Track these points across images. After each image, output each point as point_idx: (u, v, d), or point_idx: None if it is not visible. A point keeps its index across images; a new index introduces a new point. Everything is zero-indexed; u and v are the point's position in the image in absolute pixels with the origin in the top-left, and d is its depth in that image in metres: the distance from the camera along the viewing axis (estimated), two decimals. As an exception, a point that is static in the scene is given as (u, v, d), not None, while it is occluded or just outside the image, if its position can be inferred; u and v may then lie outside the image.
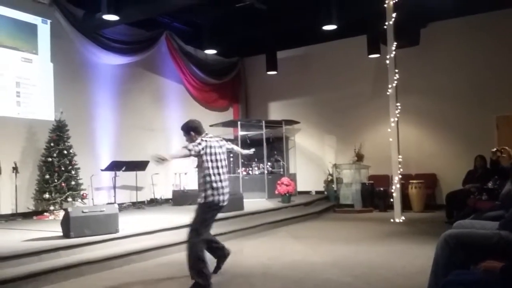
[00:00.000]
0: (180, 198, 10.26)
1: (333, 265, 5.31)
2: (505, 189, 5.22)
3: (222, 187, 4.60)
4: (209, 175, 4.53)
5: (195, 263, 4.38)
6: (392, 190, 9.23)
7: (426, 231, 7.58)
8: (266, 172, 11.46)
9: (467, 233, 3.05)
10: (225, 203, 4.68)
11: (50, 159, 8.29)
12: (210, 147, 4.59)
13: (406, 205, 10.03)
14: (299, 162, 13.22)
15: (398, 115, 9.19)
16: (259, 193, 10.95)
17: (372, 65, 11.58)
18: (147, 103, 11.19)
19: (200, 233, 4.50)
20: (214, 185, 4.53)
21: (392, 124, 9.17)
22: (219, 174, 4.59)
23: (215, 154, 4.62)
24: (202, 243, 4.50)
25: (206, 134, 4.79)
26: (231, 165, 11.79)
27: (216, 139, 4.78)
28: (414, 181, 10.54)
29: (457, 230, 3.17)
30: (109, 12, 8.48)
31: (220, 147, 4.76)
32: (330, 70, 12.60)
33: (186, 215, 7.81)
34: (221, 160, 4.66)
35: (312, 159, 12.98)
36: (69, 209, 5.73)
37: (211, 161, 4.57)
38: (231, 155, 11.38)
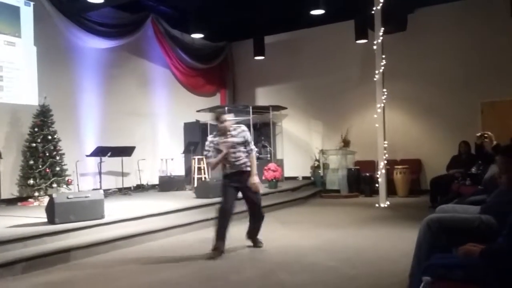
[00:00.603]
0: (166, 184, 10.24)
1: (320, 249, 5.36)
2: (487, 174, 5.32)
3: None
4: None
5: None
6: (378, 176, 9.32)
7: (410, 216, 7.67)
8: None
9: (449, 217, 3.10)
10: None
11: (34, 145, 8.20)
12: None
13: (391, 190, 10.15)
14: (286, 147, 13.25)
15: (384, 101, 9.24)
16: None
17: (359, 51, 11.58)
18: (133, 87, 11.07)
19: None
20: None
21: (379, 110, 9.22)
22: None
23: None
24: None
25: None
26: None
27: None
28: (399, 167, 10.65)
29: (439, 214, 3.22)
30: (93, -5, 8.33)
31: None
32: (317, 55, 12.57)
33: (172, 201, 7.85)
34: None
35: (299, 144, 13.02)
36: (54, 195, 5.68)
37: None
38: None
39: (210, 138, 5.47)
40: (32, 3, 8.92)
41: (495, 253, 2.23)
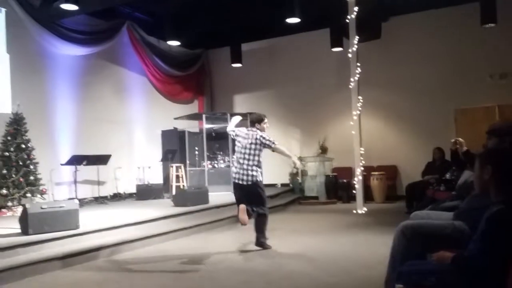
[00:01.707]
0: (144, 193, 10.11)
1: (298, 257, 5.38)
2: (460, 179, 5.44)
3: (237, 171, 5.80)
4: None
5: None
6: (355, 182, 9.42)
7: (387, 222, 7.75)
8: (231, 165, 11.43)
9: (423, 223, 3.16)
10: (241, 182, 5.74)
11: (7, 154, 7.97)
12: (237, 135, 5.93)
13: (368, 196, 10.27)
14: (264, 155, 13.21)
15: (360, 108, 9.36)
16: (224, 186, 10.90)
17: (335, 58, 11.71)
18: (108, 95, 10.93)
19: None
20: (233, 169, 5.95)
21: (354, 117, 9.33)
22: (237, 160, 5.81)
23: (239, 144, 5.85)
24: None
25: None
26: (196, 159, 11.72)
27: (250, 134, 5.88)
28: (376, 173, 10.79)
29: (413, 221, 3.27)
30: (67, 1, 8.18)
31: (250, 142, 5.80)
32: (294, 62, 12.67)
33: (150, 210, 7.76)
34: (242, 153, 5.78)
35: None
36: (27, 205, 5.55)
37: (236, 147, 5.89)
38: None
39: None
40: (4, 10, 8.74)
41: (466, 259, 2.27)
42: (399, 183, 11.28)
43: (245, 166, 5.72)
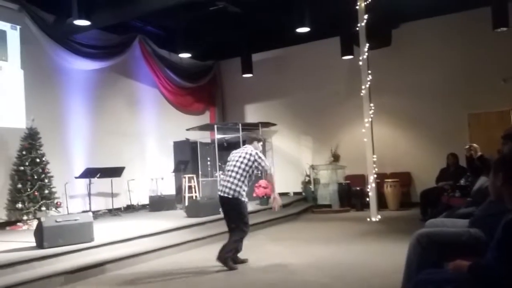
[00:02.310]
0: (157, 204, 10.15)
1: (312, 267, 5.34)
2: (476, 186, 5.37)
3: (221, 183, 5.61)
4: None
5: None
6: (368, 190, 9.35)
7: (401, 229, 7.68)
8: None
9: (438, 231, 3.12)
10: (221, 194, 5.48)
11: (22, 168, 8.11)
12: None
13: (382, 204, 10.18)
14: (277, 163, 13.22)
15: (372, 115, 9.31)
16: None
17: (346, 66, 11.70)
18: (121, 108, 11.05)
19: None
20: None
21: (366, 125, 9.28)
22: (225, 173, 5.63)
23: (229, 160, 5.69)
24: None
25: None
26: (208, 169, 11.75)
27: (241, 149, 5.73)
28: (389, 180, 10.70)
29: (428, 229, 3.23)
30: (80, 17, 8.33)
31: (239, 156, 5.58)
32: (305, 71, 12.69)
33: (163, 221, 7.79)
34: (230, 165, 5.58)
35: (289, 160, 13.03)
36: (42, 219, 5.62)
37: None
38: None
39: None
40: (18, 27, 8.92)
41: (483, 268, 2.24)
42: (413, 190, 11.16)
43: (230, 179, 5.42)
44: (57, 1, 8.87)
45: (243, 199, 5.43)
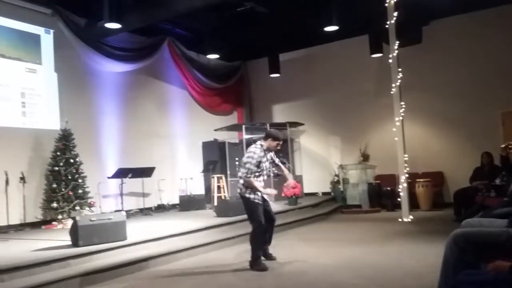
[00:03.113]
0: (186, 204, 10.26)
1: (344, 267, 5.29)
2: (512, 185, 5.21)
3: None
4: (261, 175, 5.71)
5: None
6: (399, 190, 9.20)
7: (434, 230, 7.54)
8: (272, 174, 11.41)
9: (476, 232, 3.04)
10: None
11: (56, 168, 8.32)
12: (261, 157, 5.66)
13: (414, 204, 9.99)
14: (305, 163, 13.21)
15: (402, 114, 9.16)
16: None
17: (375, 64, 11.57)
18: (151, 109, 11.23)
19: None
20: None
21: (397, 123, 9.13)
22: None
23: (264, 161, 5.72)
24: None
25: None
26: (237, 169, 11.78)
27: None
28: (421, 180, 10.51)
29: (465, 229, 3.16)
30: (111, 21, 8.51)
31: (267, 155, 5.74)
32: (333, 70, 12.60)
33: (193, 220, 7.87)
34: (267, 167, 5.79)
35: (318, 160, 12.97)
36: (77, 218, 5.75)
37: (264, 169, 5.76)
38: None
39: (259, 152, 5.54)
40: (52, 31, 9.18)
41: (526, 268, 2.18)
42: (446, 189, 10.93)
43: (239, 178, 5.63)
44: (88, 5, 9.09)
45: (247, 195, 5.50)
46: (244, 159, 5.56)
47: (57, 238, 6.39)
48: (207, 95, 12.79)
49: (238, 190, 5.64)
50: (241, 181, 5.55)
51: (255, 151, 5.54)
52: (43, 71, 9.03)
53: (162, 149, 11.25)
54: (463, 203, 8.42)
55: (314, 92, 12.98)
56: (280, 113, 13.66)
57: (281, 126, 12.28)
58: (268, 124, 11.71)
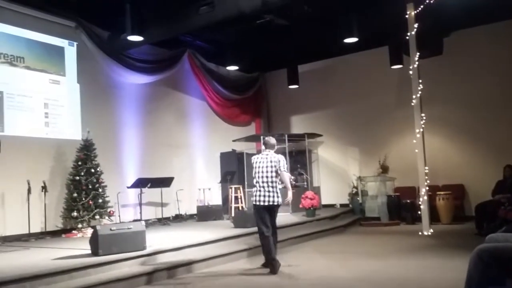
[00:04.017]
0: (204, 214, 10.28)
1: (363, 281, 5.22)
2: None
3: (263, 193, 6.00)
4: (256, 182, 6.02)
5: (264, 251, 5.92)
6: (420, 202, 9.06)
7: (456, 244, 7.41)
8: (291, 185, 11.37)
9: (502, 247, 2.97)
10: (270, 204, 5.97)
11: (77, 178, 8.43)
12: (256, 162, 6.09)
13: (434, 217, 9.83)
14: (323, 175, 13.14)
15: (423, 125, 9.06)
16: (282, 207, 10.77)
17: (395, 76, 11.50)
18: (171, 120, 11.35)
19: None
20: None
21: (418, 135, 9.03)
22: (261, 182, 5.99)
23: (259, 167, 6.04)
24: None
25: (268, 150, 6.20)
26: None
27: (266, 154, 6.13)
28: (442, 193, 10.34)
29: (490, 244, 3.09)
30: (133, 33, 8.68)
31: (269, 161, 6.03)
32: (352, 82, 12.56)
33: (211, 231, 7.87)
34: (263, 172, 6.01)
35: (336, 171, 12.89)
36: (98, 227, 5.79)
37: (256, 172, 6.05)
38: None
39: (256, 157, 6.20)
40: (75, 43, 9.39)
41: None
42: (467, 202, 10.74)
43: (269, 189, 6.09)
44: (111, 18, 9.26)
45: (254, 203, 6.05)
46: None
47: (77, 247, 6.46)
48: (226, 106, 12.87)
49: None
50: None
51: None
52: (66, 82, 9.22)
53: (180, 159, 11.33)
54: (485, 217, 8.26)
55: (332, 103, 12.94)
56: (298, 124, 13.64)
57: (299, 137, 12.28)
58: (286, 135, 11.72)
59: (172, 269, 5.86)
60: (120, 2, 8.66)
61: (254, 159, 6.17)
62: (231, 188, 10.78)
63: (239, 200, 10.81)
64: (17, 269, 4.93)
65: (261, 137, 11.34)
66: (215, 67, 12.43)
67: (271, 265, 5.78)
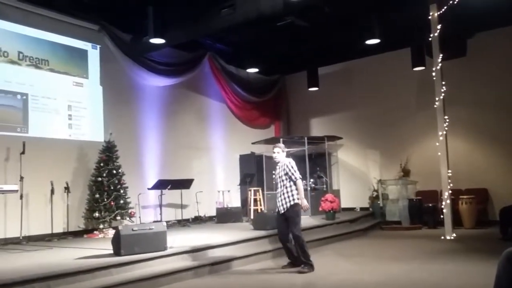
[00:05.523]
0: (223, 216, 10.30)
1: (384, 285, 5.15)
2: None
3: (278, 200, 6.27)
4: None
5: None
6: (442, 206, 8.91)
7: (479, 249, 7.26)
8: (309, 188, 11.34)
9: (531, 251, 2.90)
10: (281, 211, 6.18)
11: (100, 179, 8.54)
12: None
13: (457, 221, 9.64)
14: (342, 178, 13.04)
15: (446, 128, 8.92)
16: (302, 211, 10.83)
17: (416, 78, 11.36)
18: (191, 122, 11.43)
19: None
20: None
21: (441, 138, 8.89)
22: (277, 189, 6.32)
23: (275, 174, 6.44)
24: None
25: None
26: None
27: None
28: (465, 197, 10.15)
29: (519, 247, 3.02)
30: (155, 36, 8.77)
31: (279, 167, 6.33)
32: (373, 84, 12.46)
33: (230, 233, 7.87)
34: (277, 178, 6.34)
35: (356, 174, 12.78)
36: (120, 227, 5.84)
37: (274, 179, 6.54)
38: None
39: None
40: (98, 46, 9.53)
41: None
42: (491, 207, 10.53)
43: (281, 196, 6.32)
44: (134, 22, 9.39)
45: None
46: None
47: (99, 247, 6.53)
48: (245, 108, 12.89)
49: None
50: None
51: None
52: (89, 85, 9.36)
53: (200, 161, 11.39)
54: (510, 221, 8.08)
55: (353, 105, 12.85)
56: (318, 127, 13.59)
57: (319, 140, 12.21)
58: (305, 138, 11.68)
59: (192, 269, 5.88)
60: (142, 5, 8.77)
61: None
62: (250, 190, 10.79)
63: (258, 202, 10.80)
64: (42, 268, 5.00)
65: (281, 139, 11.37)
66: (235, 70, 12.48)
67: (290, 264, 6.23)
